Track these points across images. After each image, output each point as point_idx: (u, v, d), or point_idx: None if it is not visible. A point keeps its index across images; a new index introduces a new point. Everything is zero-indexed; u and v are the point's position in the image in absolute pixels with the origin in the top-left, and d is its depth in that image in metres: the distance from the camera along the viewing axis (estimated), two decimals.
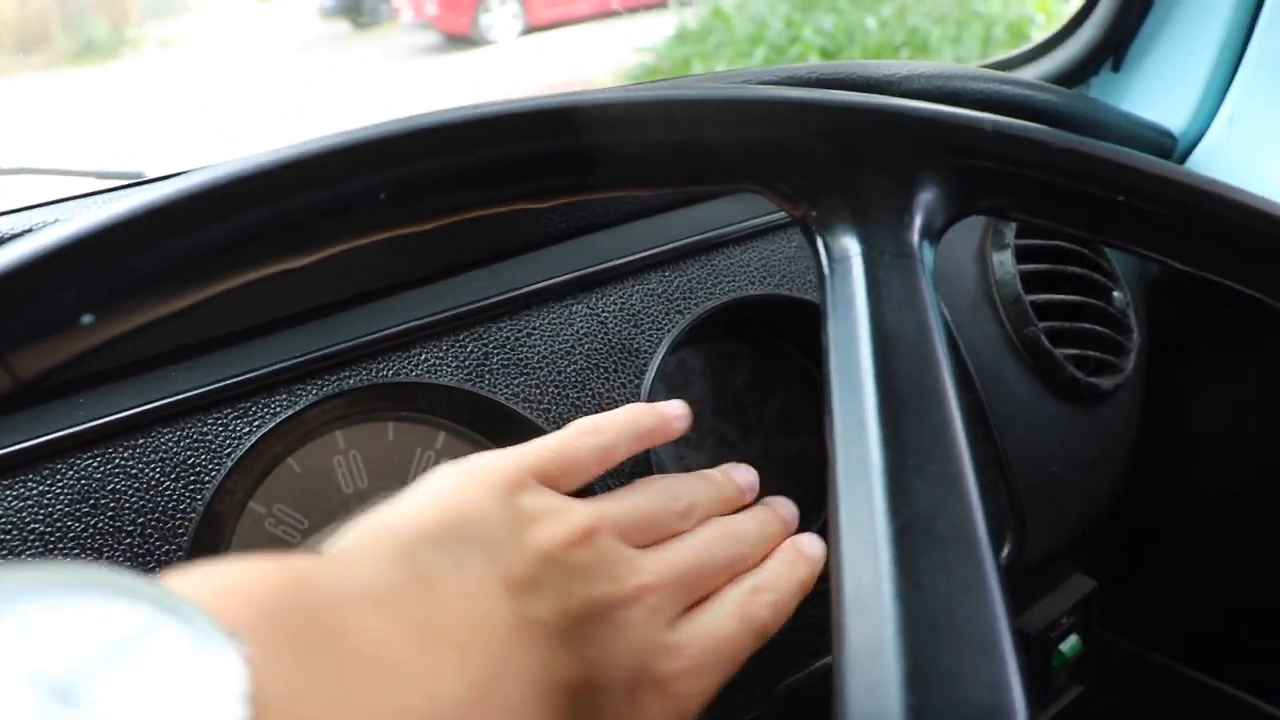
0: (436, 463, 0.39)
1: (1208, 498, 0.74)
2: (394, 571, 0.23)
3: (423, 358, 0.44)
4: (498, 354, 0.45)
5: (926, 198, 0.32)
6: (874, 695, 0.21)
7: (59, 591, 0.16)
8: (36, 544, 0.36)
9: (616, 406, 0.46)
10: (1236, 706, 0.72)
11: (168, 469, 0.39)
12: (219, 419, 0.41)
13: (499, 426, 0.45)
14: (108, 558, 0.37)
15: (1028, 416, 0.57)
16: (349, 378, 0.43)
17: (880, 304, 0.29)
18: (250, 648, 0.17)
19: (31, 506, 0.37)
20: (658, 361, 0.48)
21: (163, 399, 0.40)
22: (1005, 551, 0.55)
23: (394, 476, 0.45)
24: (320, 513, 0.43)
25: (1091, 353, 0.60)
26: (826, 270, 0.31)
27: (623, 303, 0.49)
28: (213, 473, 0.40)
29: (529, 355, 0.46)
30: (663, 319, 0.49)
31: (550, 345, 0.47)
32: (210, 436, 0.40)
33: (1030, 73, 0.75)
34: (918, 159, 0.32)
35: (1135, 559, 0.78)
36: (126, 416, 0.39)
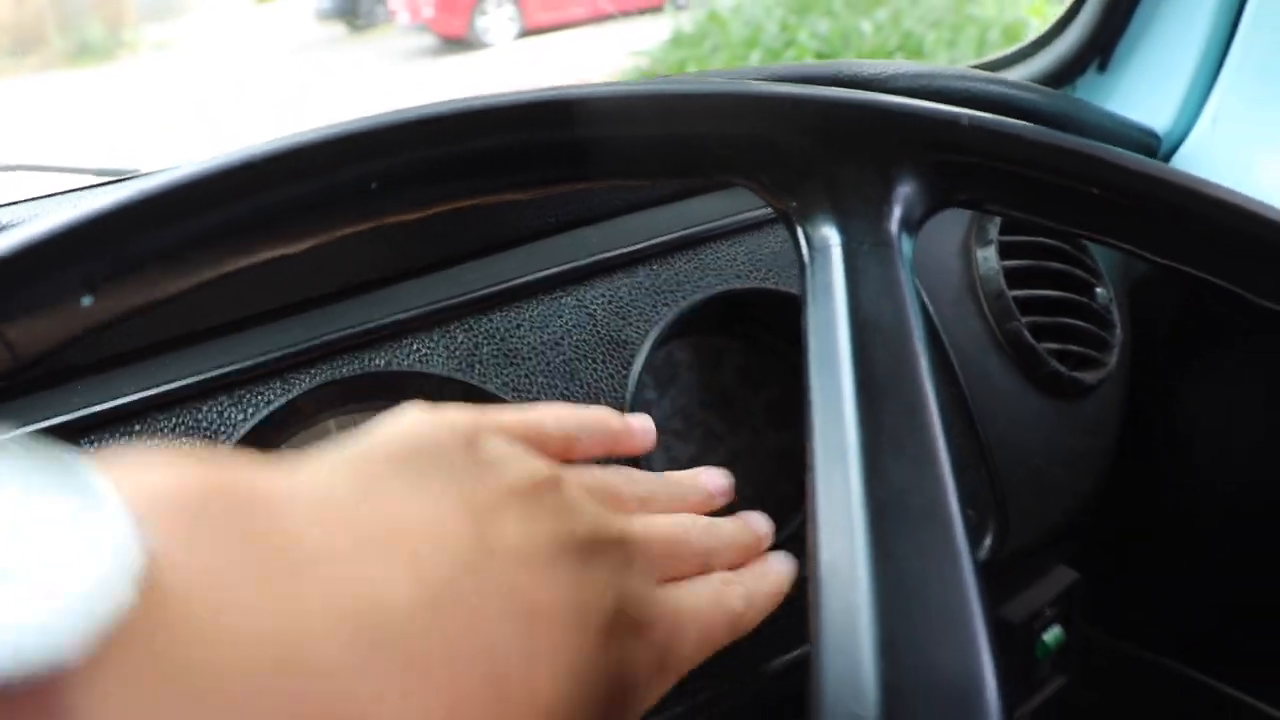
0: None
1: (1192, 494, 0.75)
2: (344, 484, 0.22)
3: (414, 348, 0.45)
4: (488, 345, 0.46)
5: (905, 190, 0.33)
6: (848, 662, 0.22)
7: None
8: None
9: (605, 397, 0.47)
10: (1219, 700, 0.73)
11: None
12: (214, 406, 0.41)
13: None
14: None
15: (1011, 410, 0.58)
16: (342, 367, 0.44)
17: (858, 291, 0.30)
18: (162, 533, 0.16)
19: None
20: (645, 353, 0.48)
21: (159, 387, 0.41)
22: (987, 543, 0.56)
23: None
24: None
25: (1074, 348, 0.61)
26: (807, 259, 0.32)
27: (611, 295, 0.50)
28: None
29: (519, 346, 0.47)
30: (651, 312, 0.50)
31: (540, 337, 0.47)
32: (206, 424, 0.41)
33: (1017, 73, 0.76)
34: (896, 152, 0.33)
35: (1119, 554, 0.79)
36: (123, 404, 0.40)
